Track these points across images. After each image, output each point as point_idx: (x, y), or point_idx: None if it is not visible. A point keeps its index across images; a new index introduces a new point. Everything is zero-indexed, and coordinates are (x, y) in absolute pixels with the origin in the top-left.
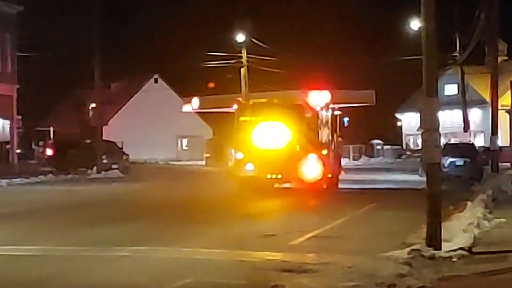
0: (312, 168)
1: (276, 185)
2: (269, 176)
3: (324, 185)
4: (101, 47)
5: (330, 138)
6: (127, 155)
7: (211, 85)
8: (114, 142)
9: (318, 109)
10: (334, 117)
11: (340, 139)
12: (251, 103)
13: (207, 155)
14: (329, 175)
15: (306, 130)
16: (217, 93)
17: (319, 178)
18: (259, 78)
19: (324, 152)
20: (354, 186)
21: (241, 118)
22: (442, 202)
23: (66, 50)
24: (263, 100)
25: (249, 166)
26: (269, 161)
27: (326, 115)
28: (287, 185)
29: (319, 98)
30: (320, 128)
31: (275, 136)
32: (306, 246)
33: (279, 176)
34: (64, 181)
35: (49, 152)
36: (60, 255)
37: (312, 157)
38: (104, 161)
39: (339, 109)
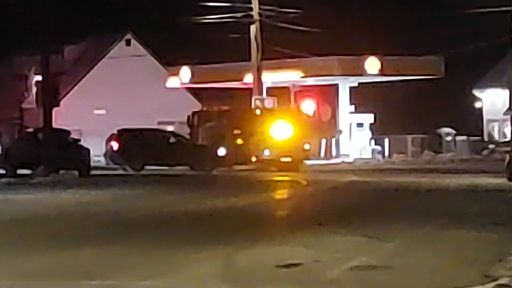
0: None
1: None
2: (282, 159)
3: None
4: None
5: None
6: (88, 150)
7: None
8: (68, 131)
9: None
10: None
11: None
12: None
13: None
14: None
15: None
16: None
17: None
18: (278, 39)
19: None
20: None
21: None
22: None
23: None
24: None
25: (266, 152)
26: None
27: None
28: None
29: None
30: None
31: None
32: (348, 281)
33: (289, 159)
34: None
35: None
36: None
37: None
38: (55, 158)
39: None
